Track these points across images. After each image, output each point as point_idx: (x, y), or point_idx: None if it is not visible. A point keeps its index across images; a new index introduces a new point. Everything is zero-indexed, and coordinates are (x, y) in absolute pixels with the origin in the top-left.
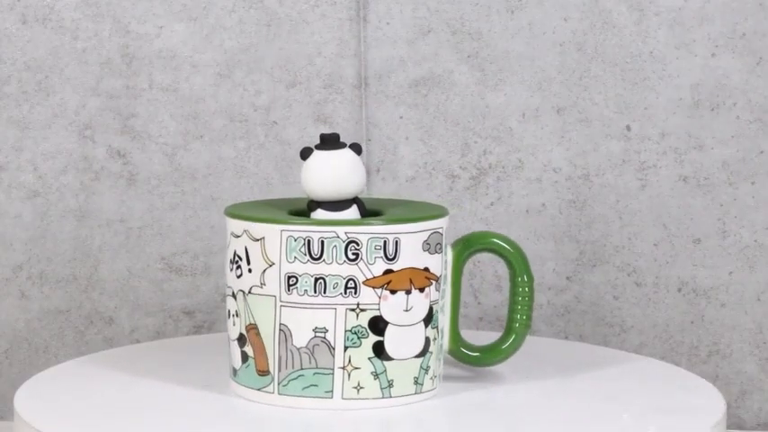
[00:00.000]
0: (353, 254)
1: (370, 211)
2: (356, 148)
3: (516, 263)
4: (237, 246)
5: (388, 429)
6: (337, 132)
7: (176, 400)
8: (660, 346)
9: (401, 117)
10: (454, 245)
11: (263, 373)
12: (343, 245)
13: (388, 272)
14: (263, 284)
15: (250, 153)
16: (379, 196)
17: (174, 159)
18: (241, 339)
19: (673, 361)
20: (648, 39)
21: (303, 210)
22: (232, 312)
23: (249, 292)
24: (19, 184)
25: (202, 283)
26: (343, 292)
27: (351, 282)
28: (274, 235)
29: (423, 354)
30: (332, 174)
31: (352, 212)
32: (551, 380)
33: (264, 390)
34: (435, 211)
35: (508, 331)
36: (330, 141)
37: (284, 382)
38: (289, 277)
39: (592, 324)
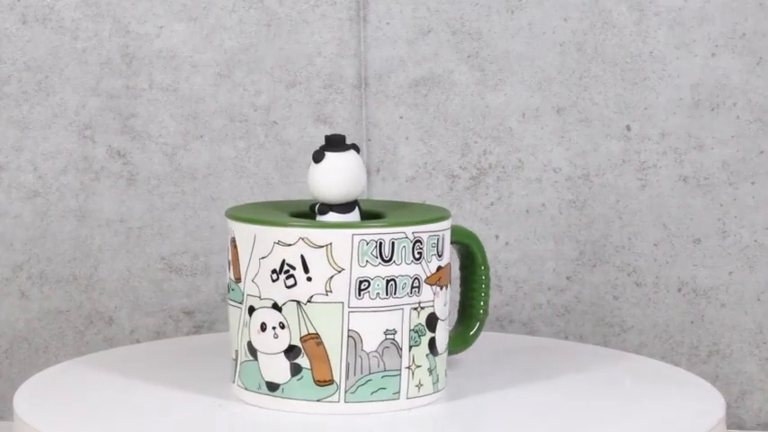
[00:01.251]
0: (418, 253)
1: (366, 213)
2: (356, 149)
3: (478, 250)
4: (288, 255)
5: (456, 423)
6: (342, 134)
7: (176, 400)
8: (660, 346)
9: (401, 117)
10: None
11: (324, 382)
12: (411, 245)
13: (439, 269)
14: (328, 292)
15: (250, 153)
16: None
17: (174, 159)
18: (292, 351)
19: (673, 361)
20: (648, 39)
21: (306, 212)
22: (271, 325)
23: (309, 301)
24: (19, 184)
25: (202, 283)
26: (409, 291)
27: (415, 281)
28: (344, 240)
29: (446, 347)
30: (346, 176)
31: (357, 214)
32: (551, 380)
33: (326, 400)
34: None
35: (472, 318)
36: (338, 143)
37: (352, 389)
38: (360, 282)
39: (592, 324)
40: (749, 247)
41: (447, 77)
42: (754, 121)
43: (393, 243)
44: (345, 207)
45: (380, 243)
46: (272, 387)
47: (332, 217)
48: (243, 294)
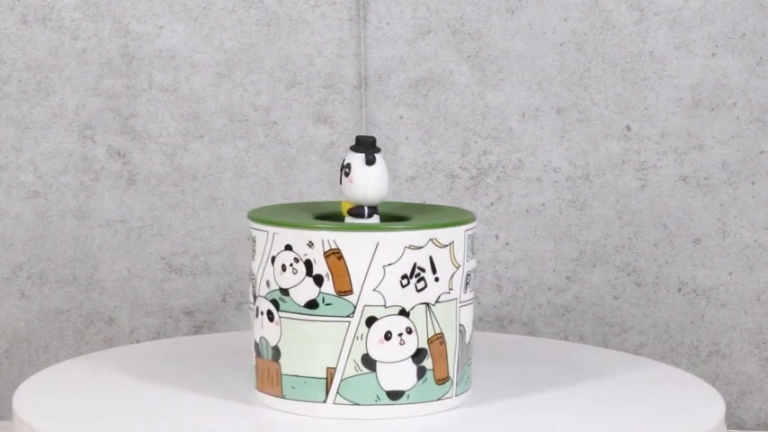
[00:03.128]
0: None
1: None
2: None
3: None
4: (419, 257)
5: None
6: (372, 135)
7: (176, 400)
8: (660, 346)
9: (401, 117)
10: None
11: (443, 380)
12: (471, 241)
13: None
14: (450, 290)
15: (250, 153)
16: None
17: (174, 159)
18: (419, 355)
19: (673, 361)
20: (648, 39)
21: (330, 215)
22: (398, 332)
23: (436, 302)
24: (19, 184)
25: (202, 283)
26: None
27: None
28: (460, 236)
29: None
30: (387, 176)
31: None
32: (551, 380)
33: (444, 397)
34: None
35: None
36: (372, 144)
37: (460, 383)
38: (467, 276)
39: (592, 324)
40: (749, 247)
41: (447, 77)
42: (754, 121)
43: (475, 237)
44: (375, 208)
45: (474, 237)
46: (395, 395)
47: (375, 219)
48: (355, 306)
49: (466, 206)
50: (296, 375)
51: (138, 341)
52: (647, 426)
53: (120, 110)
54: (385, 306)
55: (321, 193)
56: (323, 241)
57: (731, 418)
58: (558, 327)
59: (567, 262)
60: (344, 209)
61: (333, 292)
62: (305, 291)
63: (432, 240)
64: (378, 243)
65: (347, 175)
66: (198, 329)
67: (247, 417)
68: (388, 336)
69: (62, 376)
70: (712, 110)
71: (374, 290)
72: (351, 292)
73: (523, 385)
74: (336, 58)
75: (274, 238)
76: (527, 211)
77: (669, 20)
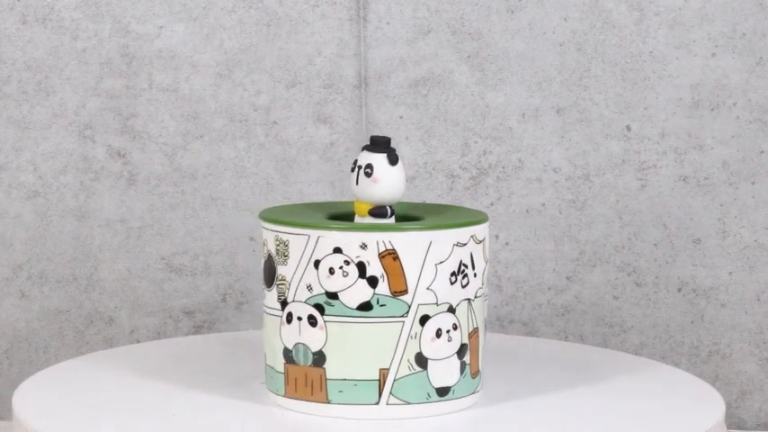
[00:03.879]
0: None
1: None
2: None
3: None
4: (464, 254)
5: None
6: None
7: (176, 400)
8: (660, 346)
9: (401, 117)
10: None
11: (476, 374)
12: None
13: None
14: (483, 284)
15: (250, 153)
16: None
17: (174, 159)
18: (461, 350)
19: (673, 361)
20: (648, 39)
21: (343, 214)
22: (446, 329)
23: (475, 297)
24: (19, 184)
25: (202, 283)
26: None
27: None
28: (487, 233)
29: None
30: (404, 176)
31: None
32: (551, 380)
33: (478, 389)
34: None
35: None
36: (387, 144)
37: (483, 377)
38: (485, 271)
39: (592, 324)
40: (749, 247)
41: (447, 77)
42: (754, 121)
43: None
44: (392, 208)
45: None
46: (443, 392)
47: (392, 219)
48: (410, 306)
49: (466, 206)
50: (344, 379)
51: (138, 341)
52: (647, 426)
53: (120, 110)
54: (437, 304)
55: (321, 193)
56: (377, 242)
57: (731, 418)
58: (558, 327)
59: (567, 262)
60: (361, 209)
61: (388, 293)
62: (357, 293)
63: (472, 237)
64: (431, 242)
65: (369, 175)
66: (198, 329)
67: (281, 421)
68: (438, 333)
69: (62, 376)
70: (712, 110)
71: (427, 288)
72: (406, 291)
73: (523, 385)
74: (336, 58)
75: (319, 241)
76: (527, 211)
77: (669, 20)
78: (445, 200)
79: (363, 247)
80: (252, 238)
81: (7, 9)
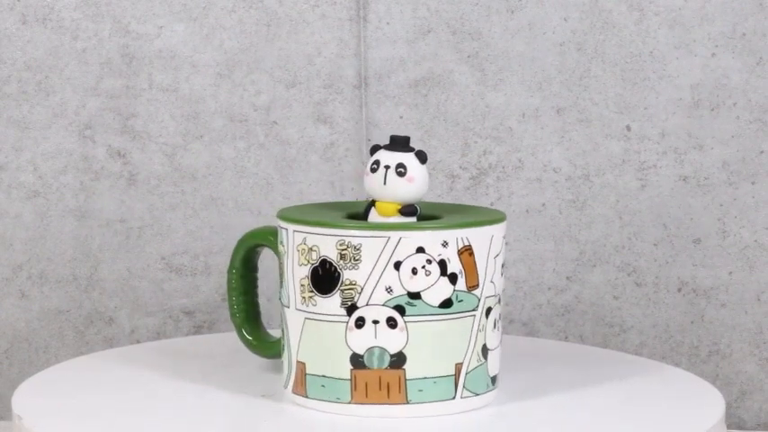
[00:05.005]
0: None
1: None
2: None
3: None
4: (503, 247)
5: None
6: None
7: (177, 400)
8: (660, 346)
9: (401, 117)
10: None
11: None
12: None
13: None
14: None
15: (250, 153)
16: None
17: (174, 159)
18: (502, 339)
19: (673, 361)
20: (648, 39)
21: (356, 213)
22: (498, 319)
23: (504, 290)
24: (19, 184)
25: (202, 283)
26: None
27: None
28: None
29: None
30: None
31: None
32: (550, 380)
33: (491, 389)
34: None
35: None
36: (406, 142)
37: None
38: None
39: (592, 324)
40: (749, 247)
41: (447, 77)
42: (754, 121)
43: None
44: None
45: None
46: (495, 380)
47: (415, 218)
48: (479, 299)
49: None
50: (424, 378)
51: (138, 341)
52: (647, 426)
53: (120, 110)
54: (495, 296)
55: (321, 193)
56: (457, 239)
57: (731, 418)
58: (558, 327)
59: (567, 262)
60: (388, 209)
61: (464, 289)
62: (439, 291)
63: (504, 236)
64: (492, 236)
65: (402, 174)
66: (198, 329)
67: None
68: (495, 324)
69: (62, 376)
70: (712, 110)
71: (490, 281)
72: (478, 285)
73: (523, 385)
74: (336, 58)
75: (400, 242)
76: (527, 211)
77: (669, 20)
78: (445, 200)
79: (445, 245)
80: None
81: (7, 9)
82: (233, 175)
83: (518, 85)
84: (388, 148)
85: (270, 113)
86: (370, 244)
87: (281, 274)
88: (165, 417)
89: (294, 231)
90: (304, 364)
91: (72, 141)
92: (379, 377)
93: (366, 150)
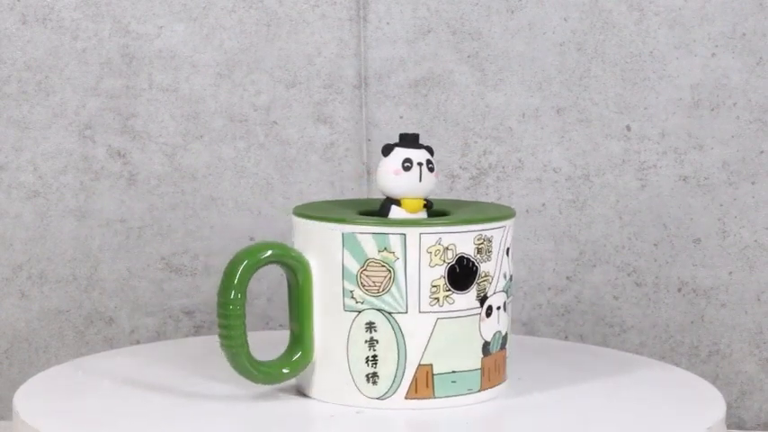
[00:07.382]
0: None
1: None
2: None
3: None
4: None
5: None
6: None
7: (177, 400)
8: (660, 346)
9: (401, 117)
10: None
11: None
12: None
13: None
14: None
15: (250, 153)
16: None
17: (174, 159)
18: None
19: (673, 361)
20: (648, 39)
21: (371, 210)
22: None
23: None
24: (19, 184)
25: (202, 283)
26: None
27: None
28: None
29: None
30: None
31: None
32: (550, 380)
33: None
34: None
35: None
36: (416, 139)
37: None
38: None
39: (592, 324)
40: (749, 247)
41: (447, 77)
42: (754, 121)
43: None
44: None
45: None
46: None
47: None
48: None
49: None
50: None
51: (138, 341)
52: (647, 426)
53: (120, 110)
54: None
55: (321, 193)
56: (503, 238)
57: (731, 418)
58: (558, 327)
59: (567, 262)
60: (415, 205)
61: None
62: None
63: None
64: (506, 229)
65: (432, 170)
66: (198, 329)
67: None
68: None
69: (62, 376)
70: (712, 110)
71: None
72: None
73: (523, 385)
74: (336, 58)
75: (508, 230)
76: (527, 211)
77: (669, 20)
78: None
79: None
80: (252, 238)
81: (7, 9)
82: (233, 175)
83: (518, 85)
84: (403, 146)
85: (270, 113)
86: (497, 235)
87: (391, 281)
88: (165, 417)
89: (421, 234)
90: (431, 365)
91: (72, 141)
92: (495, 360)
93: (366, 150)
